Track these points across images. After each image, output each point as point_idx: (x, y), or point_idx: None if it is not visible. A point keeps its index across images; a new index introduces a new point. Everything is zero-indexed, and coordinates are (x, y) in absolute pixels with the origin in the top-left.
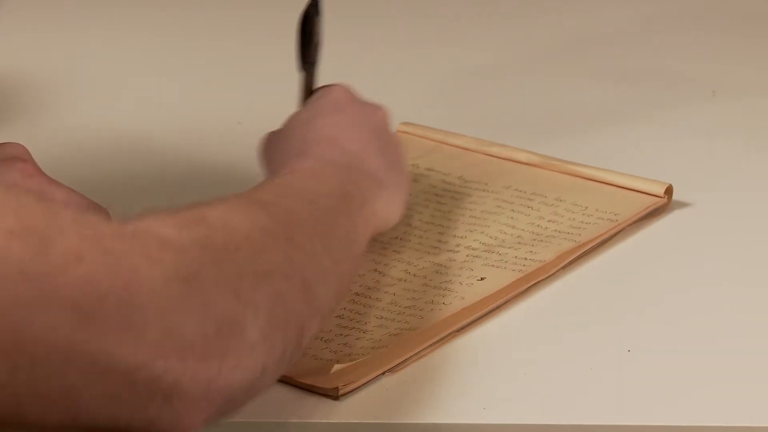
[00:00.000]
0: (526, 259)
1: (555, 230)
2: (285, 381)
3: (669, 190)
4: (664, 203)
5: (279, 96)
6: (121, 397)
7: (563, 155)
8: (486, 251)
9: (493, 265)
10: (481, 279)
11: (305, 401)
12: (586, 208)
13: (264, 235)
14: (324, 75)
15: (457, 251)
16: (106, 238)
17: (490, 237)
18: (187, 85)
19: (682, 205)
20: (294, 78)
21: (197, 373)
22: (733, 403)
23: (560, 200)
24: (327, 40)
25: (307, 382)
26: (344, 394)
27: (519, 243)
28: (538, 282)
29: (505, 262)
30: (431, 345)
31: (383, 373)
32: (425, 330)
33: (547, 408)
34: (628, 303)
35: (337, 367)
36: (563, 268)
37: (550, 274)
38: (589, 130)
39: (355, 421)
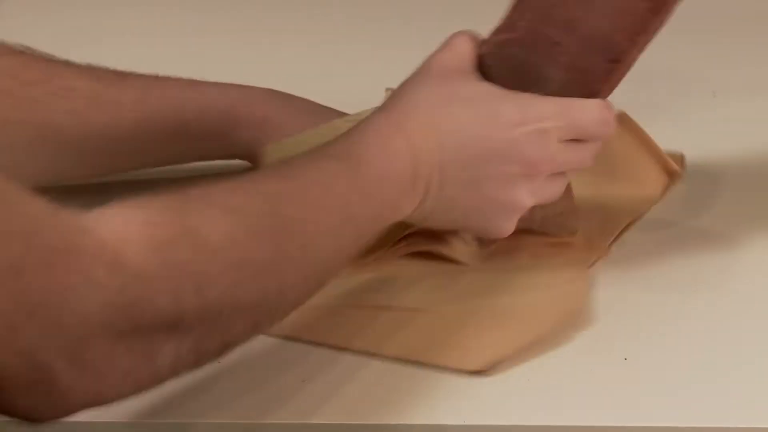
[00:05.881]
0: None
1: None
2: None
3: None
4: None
5: None
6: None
7: None
8: None
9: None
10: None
11: (302, 402)
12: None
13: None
14: (337, 74)
15: None
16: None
17: None
18: None
19: (681, 205)
20: (293, 78)
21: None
22: (735, 404)
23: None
24: (341, 42)
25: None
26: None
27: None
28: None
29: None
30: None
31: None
32: None
33: (547, 409)
34: (628, 306)
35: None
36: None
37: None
38: None
39: (354, 422)
